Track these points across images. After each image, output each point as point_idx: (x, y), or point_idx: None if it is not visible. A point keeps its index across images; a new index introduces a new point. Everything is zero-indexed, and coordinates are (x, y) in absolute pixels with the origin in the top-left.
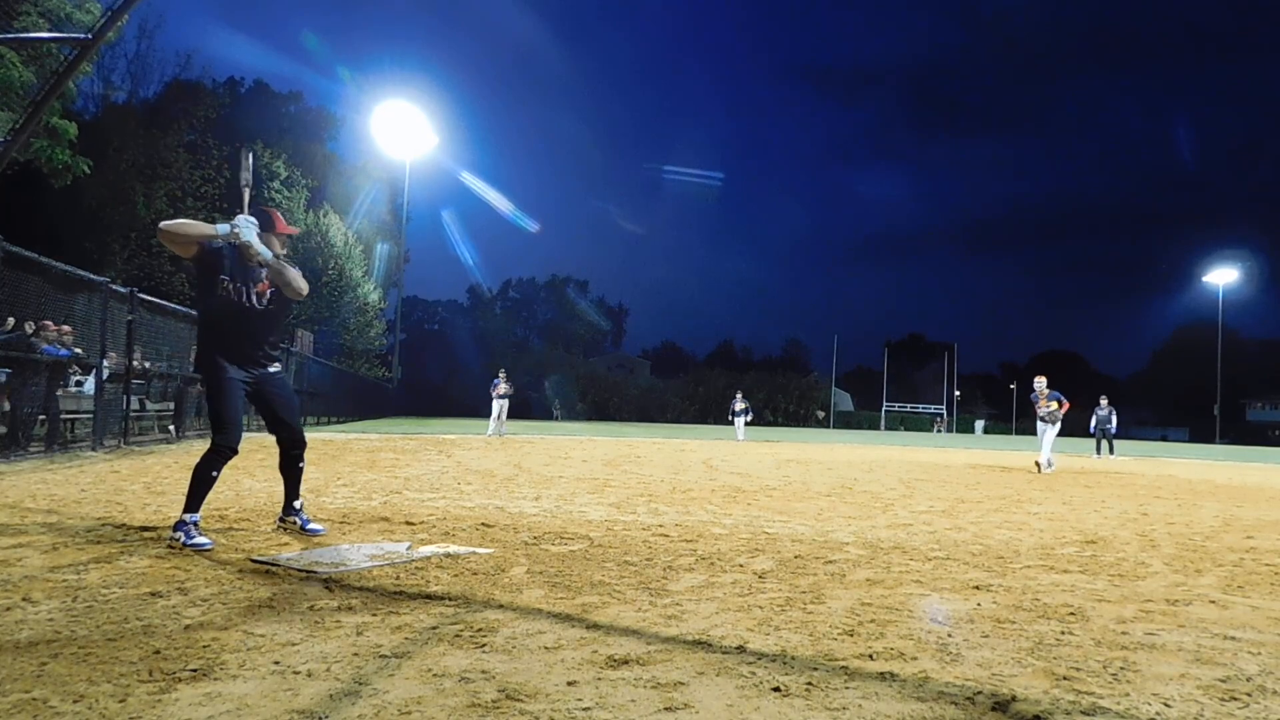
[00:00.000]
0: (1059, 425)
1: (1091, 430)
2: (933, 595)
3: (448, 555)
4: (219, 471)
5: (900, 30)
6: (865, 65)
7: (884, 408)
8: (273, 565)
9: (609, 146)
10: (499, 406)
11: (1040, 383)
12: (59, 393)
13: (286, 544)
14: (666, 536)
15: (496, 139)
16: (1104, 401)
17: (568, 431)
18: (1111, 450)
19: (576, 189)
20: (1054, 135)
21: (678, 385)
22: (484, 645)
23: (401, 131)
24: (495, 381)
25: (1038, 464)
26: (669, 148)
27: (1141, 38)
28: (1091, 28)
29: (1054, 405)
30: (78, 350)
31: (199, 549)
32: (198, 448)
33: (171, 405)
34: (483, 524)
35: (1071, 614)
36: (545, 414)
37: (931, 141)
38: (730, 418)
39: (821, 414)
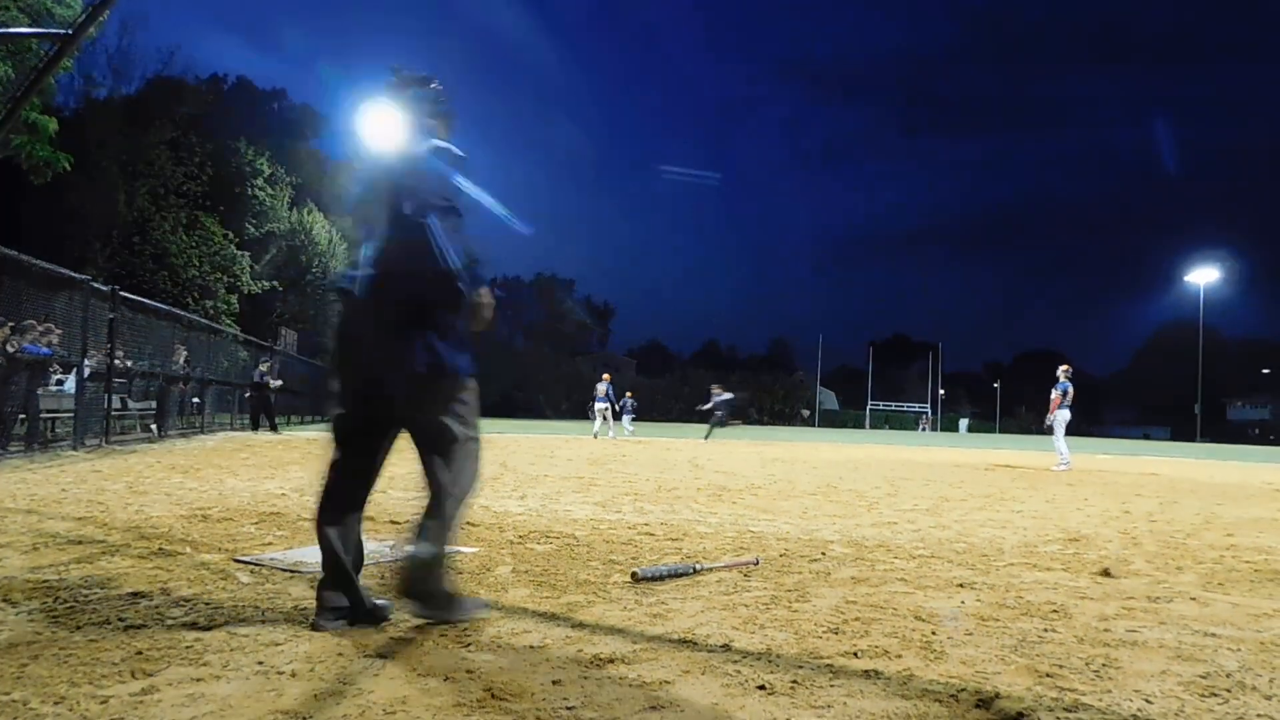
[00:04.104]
0: (1057, 420)
1: (715, 417)
2: (940, 600)
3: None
4: None
5: (889, 31)
6: (854, 65)
7: (869, 407)
8: (256, 565)
9: (596, 144)
10: (602, 410)
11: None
12: (39, 391)
13: (270, 543)
14: (652, 535)
15: (482, 136)
16: (715, 389)
17: (553, 430)
18: (709, 435)
19: (563, 187)
20: (1039, 135)
21: (663, 384)
22: (469, 644)
23: (386, 128)
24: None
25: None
26: (656, 146)
27: (1127, 40)
28: (1078, 29)
29: (1055, 396)
30: (58, 350)
31: None
32: (180, 447)
33: (153, 404)
34: (467, 523)
35: (1054, 611)
36: (531, 413)
37: (918, 142)
38: (613, 414)
39: (807, 413)
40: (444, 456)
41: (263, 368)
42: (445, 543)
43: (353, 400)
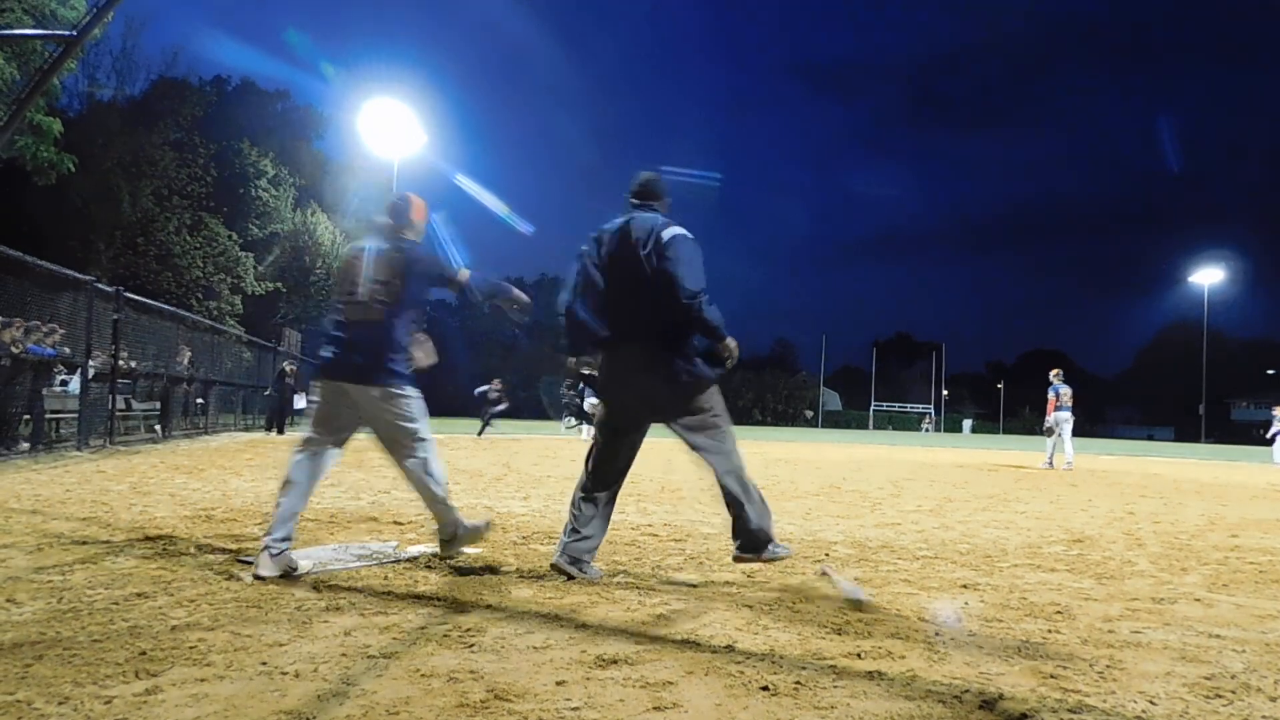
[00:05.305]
0: (1055, 422)
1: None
2: (943, 601)
3: (436, 555)
4: None
5: (895, 28)
6: (860, 63)
7: (872, 407)
8: None
9: (597, 143)
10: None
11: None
12: (44, 392)
13: None
14: (655, 536)
15: (486, 136)
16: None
17: (555, 430)
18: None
19: (566, 186)
20: (1044, 135)
21: None
22: (472, 645)
23: (390, 130)
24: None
25: (1067, 464)
26: (660, 145)
27: (1132, 39)
28: (1084, 28)
29: (1050, 398)
30: (63, 350)
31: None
32: (184, 448)
33: (158, 405)
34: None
35: (1058, 612)
36: (534, 413)
37: (921, 141)
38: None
39: (810, 413)
40: (710, 436)
41: (288, 367)
42: (751, 493)
43: (624, 410)
